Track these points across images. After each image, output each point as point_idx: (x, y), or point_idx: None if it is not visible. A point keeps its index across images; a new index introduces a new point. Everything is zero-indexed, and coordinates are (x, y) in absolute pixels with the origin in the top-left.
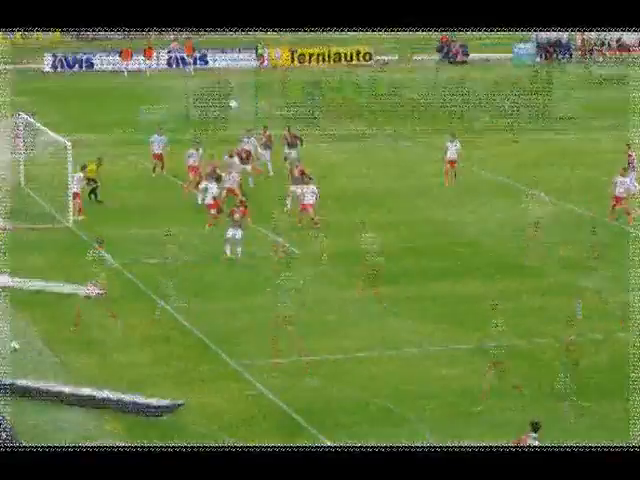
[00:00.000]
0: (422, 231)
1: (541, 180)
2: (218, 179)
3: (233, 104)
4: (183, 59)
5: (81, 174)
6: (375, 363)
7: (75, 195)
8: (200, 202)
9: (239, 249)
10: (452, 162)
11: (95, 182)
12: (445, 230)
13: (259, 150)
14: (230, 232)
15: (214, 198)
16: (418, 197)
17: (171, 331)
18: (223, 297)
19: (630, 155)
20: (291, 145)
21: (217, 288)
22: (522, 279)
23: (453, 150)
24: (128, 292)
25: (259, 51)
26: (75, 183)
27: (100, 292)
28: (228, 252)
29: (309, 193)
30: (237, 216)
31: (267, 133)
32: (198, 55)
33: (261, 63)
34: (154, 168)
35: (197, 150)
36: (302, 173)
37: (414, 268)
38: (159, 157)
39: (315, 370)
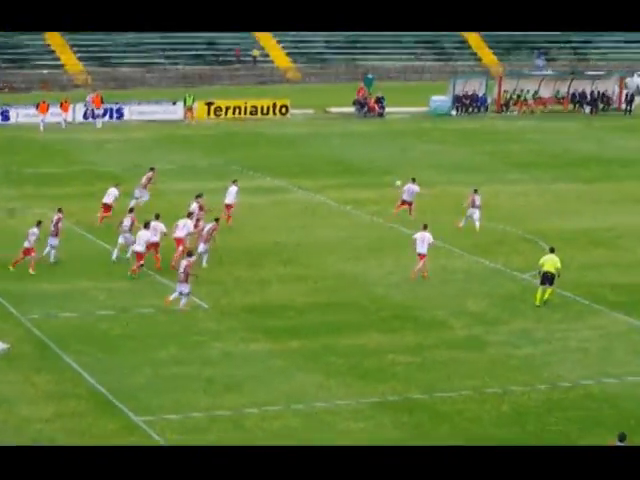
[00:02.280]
0: (329, 285)
1: (451, 233)
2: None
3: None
4: (93, 112)
5: (35, 229)
6: (280, 417)
7: (28, 250)
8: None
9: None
10: (409, 203)
11: None
12: (352, 284)
13: (138, 191)
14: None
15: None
16: (327, 251)
17: (75, 386)
18: (128, 352)
19: (473, 198)
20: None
21: (122, 343)
22: (428, 332)
23: (411, 192)
24: (34, 347)
25: (187, 103)
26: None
27: (5, 347)
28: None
29: (427, 240)
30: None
31: (152, 174)
32: (115, 108)
33: (185, 116)
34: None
35: (117, 187)
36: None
37: (320, 322)
38: (107, 208)
39: (218, 425)
